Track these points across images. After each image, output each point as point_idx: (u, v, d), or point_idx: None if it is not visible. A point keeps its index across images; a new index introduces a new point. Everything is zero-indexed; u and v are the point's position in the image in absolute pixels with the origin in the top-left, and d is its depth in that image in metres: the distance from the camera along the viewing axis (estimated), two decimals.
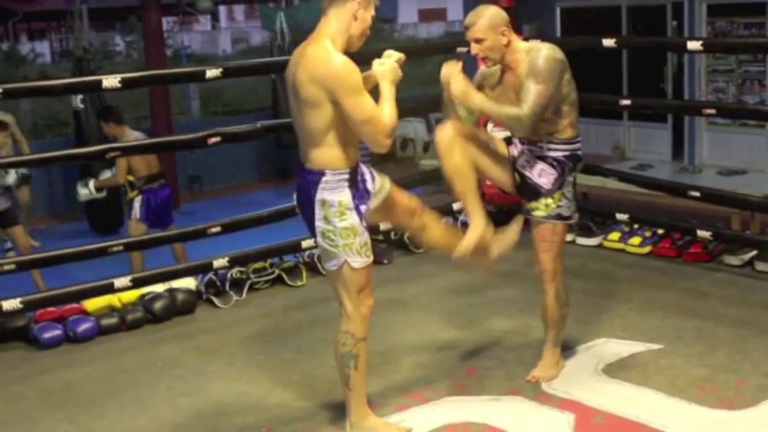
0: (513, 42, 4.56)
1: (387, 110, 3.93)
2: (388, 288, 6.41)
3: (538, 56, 4.46)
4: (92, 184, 8.59)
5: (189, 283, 6.38)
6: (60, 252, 6.02)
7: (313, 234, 4.09)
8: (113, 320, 5.93)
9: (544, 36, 10.88)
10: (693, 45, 6.60)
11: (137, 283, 5.98)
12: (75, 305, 6.00)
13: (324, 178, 3.96)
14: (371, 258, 4.12)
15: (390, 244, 7.42)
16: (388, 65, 4.07)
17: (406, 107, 6.79)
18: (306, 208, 4.05)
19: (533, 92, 4.41)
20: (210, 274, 6.38)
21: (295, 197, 4.13)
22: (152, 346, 5.68)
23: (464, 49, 7.67)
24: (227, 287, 6.42)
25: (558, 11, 12.84)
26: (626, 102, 7.84)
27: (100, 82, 5.76)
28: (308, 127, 3.94)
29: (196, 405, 4.75)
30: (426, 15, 38.36)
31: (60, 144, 12.39)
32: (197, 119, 15.80)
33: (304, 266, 6.82)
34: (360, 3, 3.95)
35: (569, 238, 7.44)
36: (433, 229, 4.57)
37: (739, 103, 10.60)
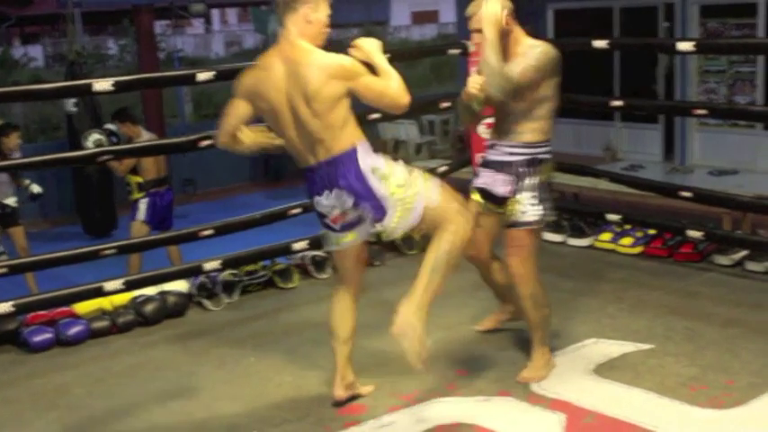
0: (515, 33, 4.63)
1: (392, 75, 4.17)
2: (380, 289, 6.41)
3: (537, 49, 4.59)
4: (92, 140, 8.49)
5: (181, 285, 6.37)
6: (53, 255, 6.00)
7: (377, 211, 4.14)
8: (104, 323, 5.93)
9: (536, 38, 10.90)
10: (685, 46, 6.61)
11: (128, 286, 5.97)
12: (65, 308, 6.00)
13: (358, 149, 4.13)
14: (437, 180, 4.32)
15: (382, 246, 7.42)
16: (365, 44, 4.29)
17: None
18: (358, 185, 4.10)
19: (522, 65, 4.52)
20: (202, 277, 6.38)
21: (326, 200, 4.18)
22: (143, 349, 5.68)
23: (456, 51, 7.69)
24: (219, 290, 6.42)
25: (550, 12, 12.88)
26: (617, 103, 7.86)
27: (92, 85, 5.75)
28: (332, 121, 4.09)
29: (186, 407, 4.75)
30: (419, 18, 38.39)
31: (53, 148, 12.37)
32: (190, 122, 15.79)
33: (296, 269, 6.82)
34: (310, 7, 4.12)
35: (560, 239, 7.46)
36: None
37: (730, 103, 10.64)
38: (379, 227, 4.22)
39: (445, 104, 7.96)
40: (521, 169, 4.71)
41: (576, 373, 4.85)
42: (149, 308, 6.06)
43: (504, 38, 4.56)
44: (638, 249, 7.04)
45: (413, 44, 27.44)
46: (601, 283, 6.42)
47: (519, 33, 4.67)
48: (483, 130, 7.45)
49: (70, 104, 11.47)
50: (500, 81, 4.45)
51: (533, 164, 4.70)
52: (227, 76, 6.12)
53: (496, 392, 4.67)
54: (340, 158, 4.11)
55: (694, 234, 6.51)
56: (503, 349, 5.24)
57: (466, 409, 4.51)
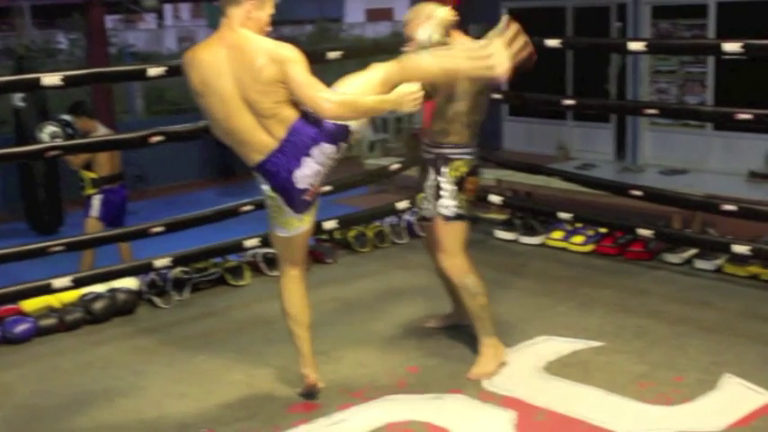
0: (451, 40, 4.77)
1: (350, 96, 4.17)
2: (332, 286, 6.41)
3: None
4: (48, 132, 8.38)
5: (131, 283, 6.30)
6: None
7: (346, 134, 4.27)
8: (52, 321, 5.84)
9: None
10: (636, 46, 6.66)
11: (78, 284, 5.90)
12: (12, 306, 5.90)
13: (299, 119, 4.17)
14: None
15: (335, 243, 7.41)
16: (413, 92, 4.25)
17: None
18: (331, 128, 4.19)
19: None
20: (152, 274, 6.31)
21: (308, 159, 4.20)
22: (91, 347, 5.60)
23: (410, 49, 7.67)
24: (170, 287, 6.36)
25: (504, 11, 12.90)
26: (570, 102, 7.90)
27: (40, 80, 5.67)
28: (272, 104, 4.12)
29: (136, 406, 4.70)
30: (373, 15, 38.36)
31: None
32: (141, 118, 15.64)
33: (247, 266, 6.78)
34: (253, 4, 4.16)
35: (512, 237, 7.48)
36: None
37: (681, 103, 10.74)
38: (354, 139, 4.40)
39: None
40: (430, 167, 4.92)
41: (528, 371, 4.87)
42: (98, 305, 5.99)
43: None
44: (589, 248, 7.08)
45: (367, 41, 27.38)
46: (552, 281, 6.45)
47: (455, 39, 4.85)
48: None
49: (17, 99, 11.29)
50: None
51: (440, 162, 4.87)
52: (180, 72, 6.07)
53: (448, 390, 4.67)
54: (298, 125, 4.16)
55: (645, 233, 6.56)
56: (454, 347, 5.25)
57: (417, 407, 4.51)
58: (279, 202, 4.34)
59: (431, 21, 4.78)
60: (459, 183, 4.88)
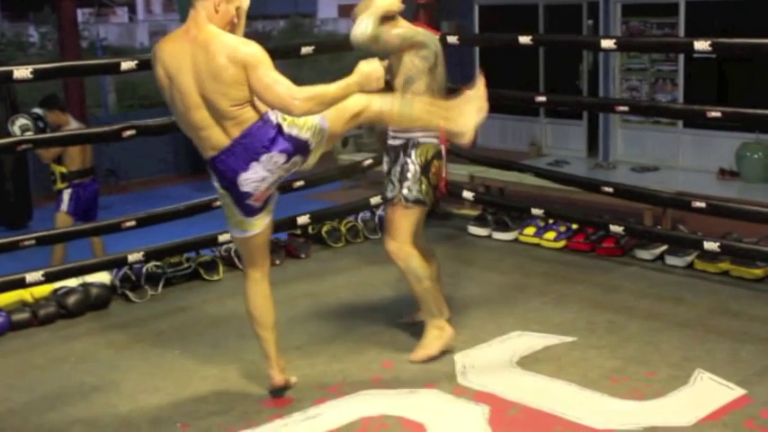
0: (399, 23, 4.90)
1: (315, 89, 4.09)
2: (305, 282, 6.42)
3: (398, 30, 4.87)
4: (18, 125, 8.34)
5: (103, 277, 6.27)
6: None
7: (304, 154, 4.26)
8: (25, 315, 5.81)
9: (462, 33, 10.97)
10: (607, 44, 6.70)
11: (49, 278, 5.87)
12: None
13: (267, 114, 4.16)
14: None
15: (308, 238, 7.41)
16: (375, 70, 4.26)
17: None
18: (282, 140, 4.17)
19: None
20: (125, 269, 6.29)
21: (256, 165, 4.18)
22: (64, 342, 5.58)
23: None
24: (143, 282, 6.34)
25: (476, 8, 12.96)
26: (542, 99, 7.95)
27: (11, 73, 5.63)
28: (229, 106, 4.07)
29: (110, 400, 4.68)
30: (346, 11, 38.17)
31: None
32: (113, 112, 15.56)
33: (220, 261, 6.77)
34: None
35: (485, 233, 7.51)
36: None
37: (652, 101, 10.82)
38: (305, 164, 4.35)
39: None
40: (399, 151, 5.00)
41: (501, 366, 4.90)
42: (72, 300, 5.96)
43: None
44: (561, 243, 7.12)
45: (340, 37, 27.36)
46: (525, 276, 6.49)
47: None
48: None
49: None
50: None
51: (410, 146, 4.95)
52: (151, 66, 6.07)
53: (422, 385, 4.69)
54: (254, 129, 4.13)
55: (616, 229, 6.61)
56: None
57: (391, 402, 4.52)
58: (229, 201, 4.34)
59: (369, 11, 4.86)
60: (426, 166, 4.98)
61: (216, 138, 4.17)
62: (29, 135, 8.11)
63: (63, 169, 8.09)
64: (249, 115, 4.13)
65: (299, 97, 4.02)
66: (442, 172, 5.15)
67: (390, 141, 5.07)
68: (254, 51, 4.06)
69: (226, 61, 4.00)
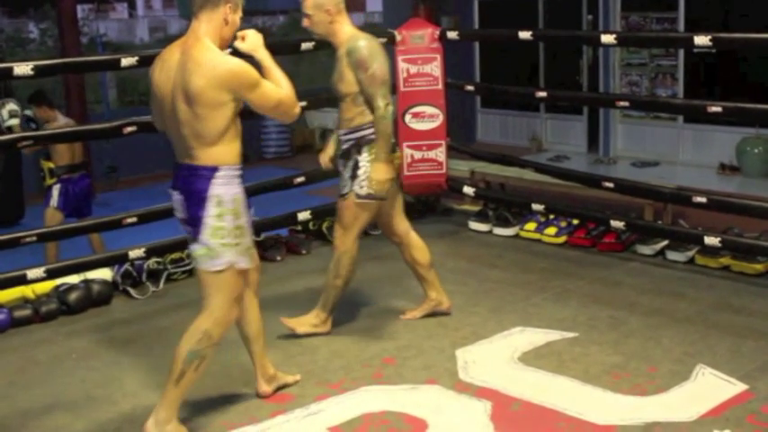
0: (338, 24, 5.03)
1: (282, 82, 4.07)
2: (306, 278, 6.42)
3: (357, 45, 4.97)
4: (7, 110, 8.33)
5: (105, 274, 6.28)
6: None
7: (195, 233, 4.01)
8: (27, 312, 5.82)
9: (462, 29, 10.97)
10: (607, 39, 6.70)
11: (51, 275, 5.88)
12: None
13: (218, 173, 3.95)
14: (253, 264, 4.19)
15: (309, 234, 7.41)
16: (250, 37, 4.14)
17: (324, 98, 6.80)
18: (195, 204, 3.97)
19: (376, 82, 4.95)
20: (127, 265, 6.30)
21: (176, 197, 4.06)
22: (66, 338, 5.59)
23: (382, 40, 7.69)
24: (144, 278, 6.35)
25: (476, 4, 12.95)
26: (542, 94, 7.94)
27: (11, 69, 5.63)
28: (203, 129, 3.91)
29: (112, 397, 4.69)
30: (346, 7, 38.28)
31: None
32: (113, 108, 15.54)
33: None
34: (230, 7, 4.02)
35: (485, 228, 7.52)
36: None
37: (652, 95, 10.81)
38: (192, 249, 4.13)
39: None
40: (352, 150, 5.11)
41: (503, 362, 4.91)
42: (73, 296, 5.97)
43: (328, 27, 5.04)
44: (562, 239, 7.13)
45: None
46: (526, 272, 6.49)
47: (340, 24, 5.07)
48: (410, 120, 7.49)
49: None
50: (389, 120, 5.02)
51: (361, 145, 5.07)
52: (152, 62, 6.08)
53: (423, 381, 4.70)
54: (197, 171, 3.96)
55: (617, 224, 6.61)
56: (429, 337, 5.28)
57: (393, 398, 4.53)
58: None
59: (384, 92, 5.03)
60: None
61: (176, 150, 4.06)
62: (15, 121, 8.14)
63: (51, 165, 8.08)
64: (202, 153, 3.95)
65: (296, 104, 4.09)
66: (396, 163, 5.20)
67: (343, 145, 5.18)
68: (246, 70, 3.91)
69: (209, 81, 3.84)
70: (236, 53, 4.14)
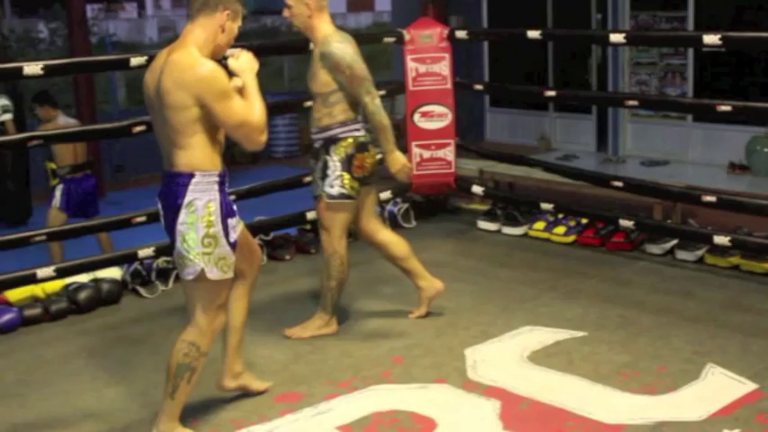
0: (316, 19, 5.09)
1: (256, 106, 3.92)
2: (315, 277, 6.40)
3: (330, 49, 5.02)
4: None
5: (114, 273, 6.30)
6: None
7: (172, 239, 3.99)
8: (36, 311, 5.83)
9: (471, 28, 10.97)
10: (617, 38, 6.70)
11: (60, 273, 5.90)
12: None
13: (193, 180, 3.88)
14: (230, 274, 4.05)
15: (317, 233, 7.40)
16: (243, 58, 4.04)
17: None
18: (171, 212, 3.94)
19: (357, 80, 5.01)
20: (136, 264, 6.31)
21: (159, 205, 4.03)
22: (76, 337, 5.60)
23: (391, 40, 7.70)
24: (153, 277, 6.36)
25: (485, 2, 12.94)
26: (551, 93, 7.94)
27: (21, 69, 5.65)
28: (173, 132, 3.86)
29: (122, 395, 4.70)
30: (355, 5, 38.35)
31: None
32: (123, 107, 15.59)
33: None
34: (228, 15, 3.96)
35: (494, 227, 7.51)
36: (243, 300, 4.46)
37: (661, 95, 10.79)
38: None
39: (380, 93, 7.94)
40: (321, 150, 5.15)
41: (512, 361, 4.91)
42: (83, 295, 5.98)
43: (306, 21, 5.11)
44: (571, 238, 7.12)
45: (349, 32, 27.37)
46: (535, 271, 6.49)
47: (318, 20, 5.14)
48: (418, 119, 7.49)
49: None
50: (373, 120, 5.08)
51: (329, 144, 5.10)
52: None
53: (432, 380, 4.70)
54: (174, 178, 3.91)
55: (626, 223, 6.60)
56: (438, 336, 5.28)
57: (402, 397, 4.53)
58: None
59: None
60: (347, 161, 5.10)
61: (165, 160, 4.01)
62: (8, 116, 8.16)
63: (53, 166, 8.10)
64: (178, 159, 3.90)
65: (263, 133, 3.92)
66: (368, 162, 5.19)
67: (313, 144, 5.21)
68: (218, 81, 3.80)
69: (176, 85, 3.78)
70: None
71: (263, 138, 3.94)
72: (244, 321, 4.47)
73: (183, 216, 3.90)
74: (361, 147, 5.14)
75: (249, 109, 3.89)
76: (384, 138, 5.09)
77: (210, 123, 3.87)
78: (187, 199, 3.88)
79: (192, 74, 3.79)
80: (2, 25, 12.19)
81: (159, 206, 4.04)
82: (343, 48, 5.03)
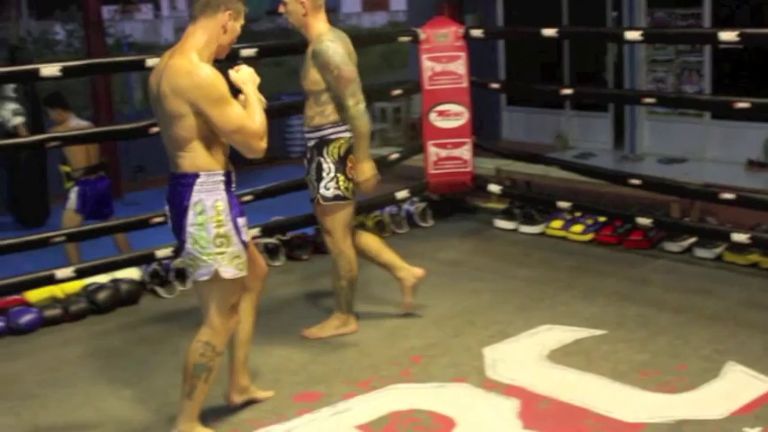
0: (312, 18, 5.04)
1: (257, 114, 3.92)
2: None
3: (321, 48, 4.97)
4: (10, 109, 8.39)
5: (133, 273, 6.32)
6: (4, 243, 5.96)
7: (181, 241, 3.98)
8: (56, 312, 5.86)
9: (486, 26, 10.96)
10: (633, 35, 6.68)
11: (80, 274, 5.92)
12: (16, 297, 5.92)
13: (198, 180, 3.89)
14: (244, 272, 4.05)
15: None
16: (244, 71, 4.03)
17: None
18: (178, 214, 3.94)
19: (343, 82, 4.96)
20: (155, 265, 6.33)
21: (167, 207, 4.04)
22: (96, 337, 5.62)
23: (407, 39, 7.71)
24: (172, 277, 6.38)
25: (500, 1, 12.92)
26: (567, 91, 7.91)
27: (39, 70, 5.68)
28: (175, 136, 3.87)
29: (141, 396, 4.72)
30: (370, 5, 38.34)
31: None
32: (139, 108, 15.62)
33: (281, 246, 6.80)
34: (230, 14, 3.94)
35: (511, 226, 7.50)
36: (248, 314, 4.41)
37: (678, 92, 10.75)
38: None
39: (397, 92, 7.98)
40: (314, 151, 5.14)
41: (531, 360, 4.90)
42: (102, 296, 6.01)
43: (301, 19, 5.05)
44: (588, 236, 7.11)
45: (363, 31, 27.39)
46: (553, 270, 6.48)
47: (313, 18, 5.08)
48: (435, 118, 7.49)
49: (9, 90, 11.25)
50: (354, 122, 4.99)
51: (322, 145, 5.10)
52: None
53: (451, 379, 4.70)
54: (179, 179, 3.92)
55: (644, 221, 6.59)
56: (456, 336, 5.28)
57: (421, 396, 4.53)
58: None
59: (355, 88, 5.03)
60: (341, 162, 5.10)
61: (170, 161, 4.02)
62: (20, 119, 8.17)
63: (68, 168, 8.12)
64: (182, 161, 3.90)
65: (263, 141, 3.90)
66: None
67: (307, 143, 5.20)
68: (215, 86, 3.78)
69: (172, 88, 3.78)
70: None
71: (263, 144, 3.92)
72: (250, 336, 4.43)
73: (191, 217, 3.90)
74: (352, 148, 5.14)
75: (248, 115, 3.88)
76: (360, 144, 5.04)
77: (210, 130, 3.87)
78: (193, 200, 3.89)
79: (188, 80, 3.78)
80: (19, 27, 12.22)
81: (166, 208, 4.05)
82: (334, 47, 4.98)
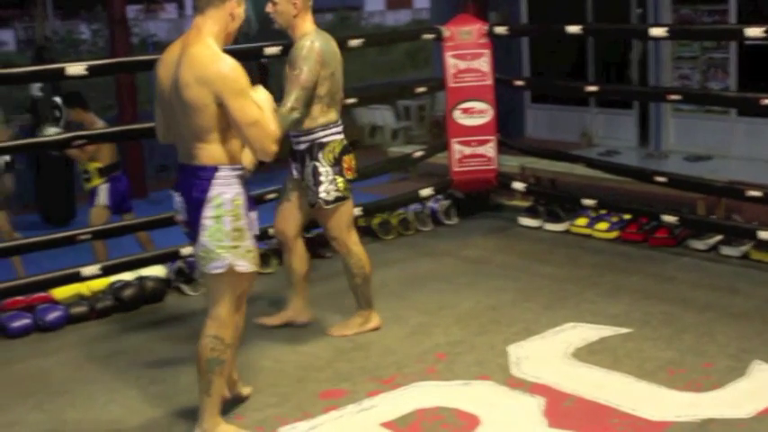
0: (300, 19, 5.02)
1: (273, 120, 3.95)
2: None
3: (301, 44, 4.98)
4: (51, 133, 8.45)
5: (158, 271, 6.35)
6: (29, 241, 6.00)
7: (195, 233, 3.98)
8: (83, 309, 5.90)
9: (510, 23, 10.93)
10: (657, 32, 6.66)
11: (106, 272, 5.95)
12: (43, 294, 5.96)
13: (218, 173, 3.91)
14: (256, 266, 4.09)
15: (359, 231, 7.41)
16: (261, 92, 4.01)
17: (373, 95, 6.82)
18: (193, 206, 3.94)
19: (296, 84, 4.94)
20: (179, 262, 6.36)
21: (177, 198, 4.04)
22: (122, 335, 5.66)
23: (430, 37, 7.70)
24: (197, 275, 6.39)
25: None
26: (592, 88, 7.90)
27: (65, 69, 5.72)
28: (195, 127, 3.88)
29: (167, 393, 4.74)
30: (393, 3, 38.33)
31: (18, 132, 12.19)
32: None
33: (272, 254, 6.80)
34: (236, 1, 3.97)
35: (536, 224, 7.49)
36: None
37: (704, 89, 10.68)
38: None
39: (421, 89, 7.98)
40: (305, 155, 5.13)
41: (556, 358, 4.89)
42: (128, 293, 6.04)
43: (291, 20, 5.03)
44: (613, 234, 7.08)
45: (387, 29, 27.39)
46: (578, 267, 6.46)
47: (302, 19, 5.06)
48: (459, 116, 7.48)
49: (36, 89, 11.32)
50: (281, 123, 4.73)
51: (315, 149, 5.09)
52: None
53: (476, 376, 4.70)
54: (197, 171, 3.93)
55: (669, 219, 6.56)
56: (481, 333, 5.27)
57: (446, 393, 4.53)
58: None
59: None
60: (336, 164, 5.11)
61: (179, 148, 4.04)
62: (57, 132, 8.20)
63: (99, 164, 8.18)
64: (200, 152, 3.91)
65: (277, 142, 3.89)
66: (354, 163, 5.23)
67: (295, 147, 5.18)
68: (237, 76, 3.81)
69: (196, 78, 3.79)
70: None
71: (275, 147, 3.91)
72: (239, 334, 4.34)
73: (208, 210, 3.92)
74: (345, 149, 5.15)
75: (266, 115, 3.89)
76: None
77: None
78: (213, 193, 3.91)
79: (213, 69, 3.81)
80: (45, 28, 12.30)
81: (177, 198, 4.04)
82: (310, 48, 4.95)
